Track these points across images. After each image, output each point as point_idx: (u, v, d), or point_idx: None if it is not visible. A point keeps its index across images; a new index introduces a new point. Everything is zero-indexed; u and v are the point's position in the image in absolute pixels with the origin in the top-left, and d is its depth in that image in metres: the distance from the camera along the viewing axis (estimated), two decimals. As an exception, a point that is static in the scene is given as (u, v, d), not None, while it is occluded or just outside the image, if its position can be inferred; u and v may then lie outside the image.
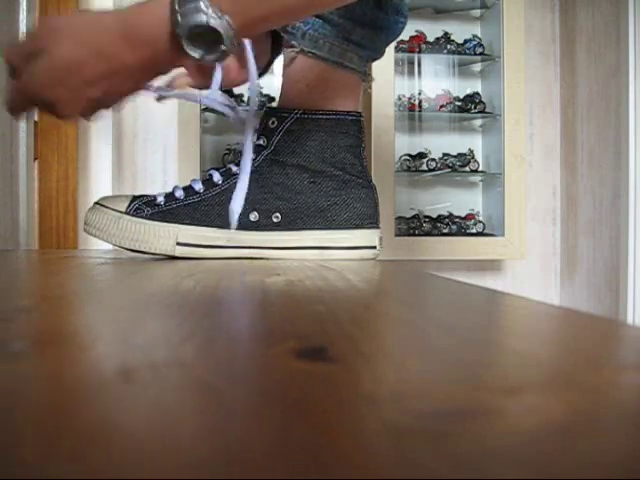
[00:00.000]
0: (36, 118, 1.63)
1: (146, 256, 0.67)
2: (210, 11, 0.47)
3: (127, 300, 0.33)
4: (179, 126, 1.72)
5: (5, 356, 0.18)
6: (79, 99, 0.53)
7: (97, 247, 0.87)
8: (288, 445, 0.11)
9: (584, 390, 0.15)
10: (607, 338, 0.24)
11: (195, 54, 0.49)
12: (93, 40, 0.51)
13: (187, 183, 0.69)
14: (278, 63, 0.74)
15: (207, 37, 0.49)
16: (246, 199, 0.66)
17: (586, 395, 0.15)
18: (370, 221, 0.69)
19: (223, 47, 0.49)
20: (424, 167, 1.91)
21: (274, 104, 0.87)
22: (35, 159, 1.62)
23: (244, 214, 0.67)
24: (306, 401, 0.14)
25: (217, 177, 0.68)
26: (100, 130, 1.83)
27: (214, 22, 0.48)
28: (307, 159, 0.67)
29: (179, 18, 0.47)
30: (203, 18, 0.47)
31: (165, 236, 0.66)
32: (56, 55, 0.51)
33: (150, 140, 1.87)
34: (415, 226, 1.88)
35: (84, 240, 1.73)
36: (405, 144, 1.93)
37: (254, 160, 0.68)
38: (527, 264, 2.00)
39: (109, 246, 0.69)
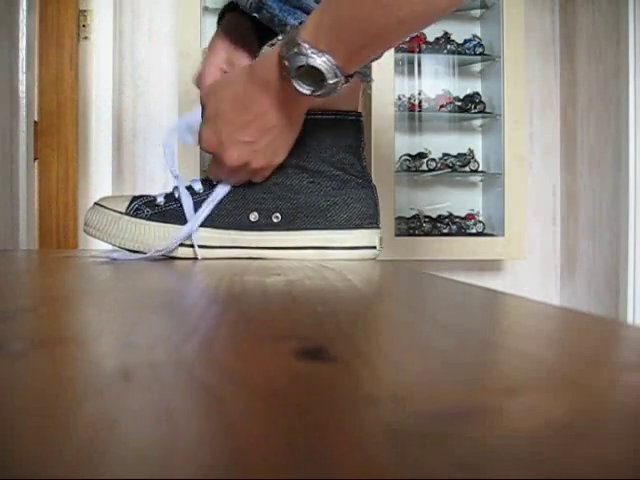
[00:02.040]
0: (36, 118, 1.63)
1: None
2: (310, 52, 0.53)
3: (127, 300, 0.33)
4: (179, 126, 1.72)
5: (5, 356, 0.18)
6: (236, 143, 0.61)
7: (97, 247, 0.87)
8: (287, 445, 0.11)
9: (584, 390, 0.15)
10: (607, 338, 0.24)
11: (306, 91, 0.55)
12: (231, 91, 0.60)
13: (187, 183, 0.69)
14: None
15: (314, 75, 0.54)
16: (246, 199, 0.66)
17: (586, 395, 0.15)
18: (370, 221, 0.69)
19: (328, 82, 0.55)
20: (424, 167, 1.91)
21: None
22: (35, 159, 1.62)
23: (244, 214, 0.66)
24: (306, 401, 0.14)
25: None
26: (100, 130, 1.82)
27: (313, 61, 0.53)
28: (307, 159, 0.67)
29: (286, 63, 0.54)
30: (303, 59, 0.53)
31: (165, 237, 0.66)
32: (209, 115, 0.62)
33: (150, 140, 1.87)
34: (415, 226, 1.88)
35: (84, 240, 1.73)
36: (405, 144, 1.93)
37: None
38: (527, 264, 2.00)
39: (109, 246, 0.68)
